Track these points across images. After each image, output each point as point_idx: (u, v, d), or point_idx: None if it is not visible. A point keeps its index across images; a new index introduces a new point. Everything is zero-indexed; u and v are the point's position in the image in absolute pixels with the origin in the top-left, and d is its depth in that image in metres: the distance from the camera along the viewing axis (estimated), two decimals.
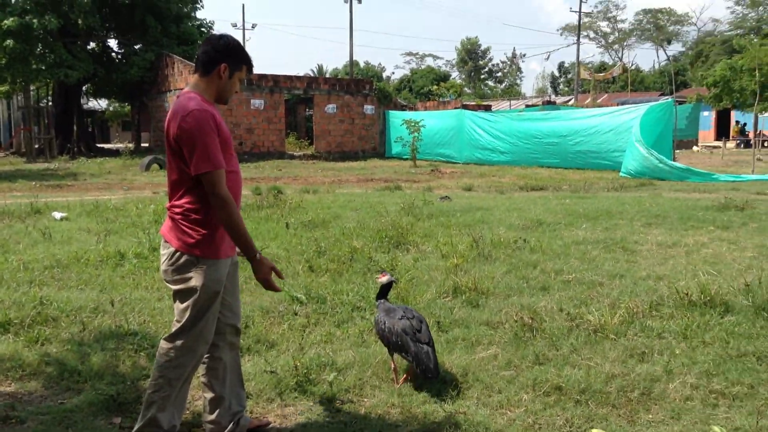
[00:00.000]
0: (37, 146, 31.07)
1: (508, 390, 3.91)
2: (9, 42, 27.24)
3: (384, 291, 4.36)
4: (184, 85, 28.99)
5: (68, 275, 6.47)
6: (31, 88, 32.61)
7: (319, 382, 4.02)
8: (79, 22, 29.43)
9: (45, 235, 8.35)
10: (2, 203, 11.40)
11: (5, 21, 26.97)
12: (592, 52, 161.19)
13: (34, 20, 27.26)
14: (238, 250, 3.30)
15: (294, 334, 4.88)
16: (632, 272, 6.49)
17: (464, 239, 7.94)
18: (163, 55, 31.31)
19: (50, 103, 34.39)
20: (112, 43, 34.88)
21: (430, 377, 3.87)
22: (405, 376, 4.08)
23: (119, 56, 34.32)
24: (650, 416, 3.61)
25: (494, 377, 4.09)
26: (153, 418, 3.16)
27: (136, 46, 33.22)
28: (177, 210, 3.12)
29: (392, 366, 4.12)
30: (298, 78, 31.14)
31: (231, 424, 3.39)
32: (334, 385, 3.94)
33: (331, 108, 30.57)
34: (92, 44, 33.67)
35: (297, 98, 35.48)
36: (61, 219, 10.08)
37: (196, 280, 3.09)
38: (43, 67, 28.62)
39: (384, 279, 4.36)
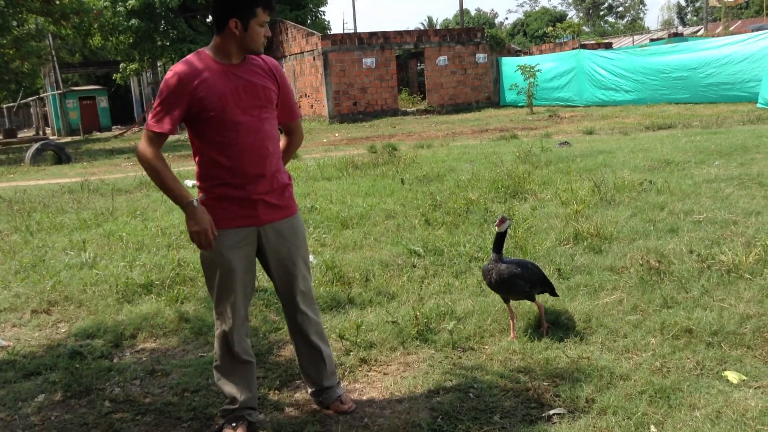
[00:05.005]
0: None
1: (633, 334, 3.79)
2: (134, 21, 28.85)
3: (500, 242, 3.98)
4: (298, 50, 29.61)
5: None
6: (158, 64, 34.50)
7: (439, 331, 4.08)
8: None
9: None
10: (140, 174, 12.22)
11: (129, 1, 28.53)
12: None
13: None
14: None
15: (413, 285, 4.95)
16: None
17: (585, 185, 7.69)
18: (277, 22, 32.02)
19: None
20: None
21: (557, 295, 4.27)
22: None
23: None
24: None
25: (619, 322, 3.98)
26: None
27: None
28: None
29: (512, 315, 4.05)
30: (408, 32, 30.84)
31: None
32: (454, 334, 3.98)
33: (442, 60, 30.12)
34: (210, 17, 35.00)
35: (408, 53, 35.24)
36: (193, 186, 10.65)
37: None
38: (168, 43, 30.22)
39: (502, 227, 3.95)
